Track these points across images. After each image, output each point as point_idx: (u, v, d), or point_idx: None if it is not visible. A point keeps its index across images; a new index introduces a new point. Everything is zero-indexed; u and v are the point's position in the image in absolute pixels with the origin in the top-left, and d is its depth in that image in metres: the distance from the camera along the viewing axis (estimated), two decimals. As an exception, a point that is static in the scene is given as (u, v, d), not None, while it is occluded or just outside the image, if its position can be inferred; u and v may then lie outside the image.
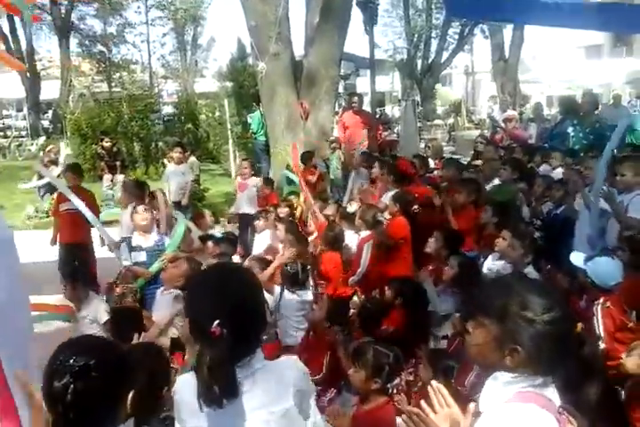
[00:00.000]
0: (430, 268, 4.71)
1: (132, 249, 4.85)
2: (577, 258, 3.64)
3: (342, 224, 5.66)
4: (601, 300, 3.42)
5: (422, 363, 3.36)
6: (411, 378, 2.97)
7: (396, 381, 2.87)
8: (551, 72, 20.57)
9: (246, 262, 4.62)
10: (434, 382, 1.61)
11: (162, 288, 4.35)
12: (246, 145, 13.99)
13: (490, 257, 4.58)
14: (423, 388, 3.17)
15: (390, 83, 29.81)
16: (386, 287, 4.22)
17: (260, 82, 10.02)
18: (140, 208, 4.85)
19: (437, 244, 4.57)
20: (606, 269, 3.50)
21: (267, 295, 4.33)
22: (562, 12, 7.67)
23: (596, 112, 8.79)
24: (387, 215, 5.50)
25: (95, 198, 6.75)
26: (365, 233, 5.29)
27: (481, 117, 24.82)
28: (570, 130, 8.74)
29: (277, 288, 4.31)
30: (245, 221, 7.47)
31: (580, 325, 1.61)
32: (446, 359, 3.33)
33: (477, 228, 5.23)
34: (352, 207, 6.39)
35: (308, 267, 4.62)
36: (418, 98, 25.27)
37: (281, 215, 6.40)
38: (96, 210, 6.30)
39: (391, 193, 5.83)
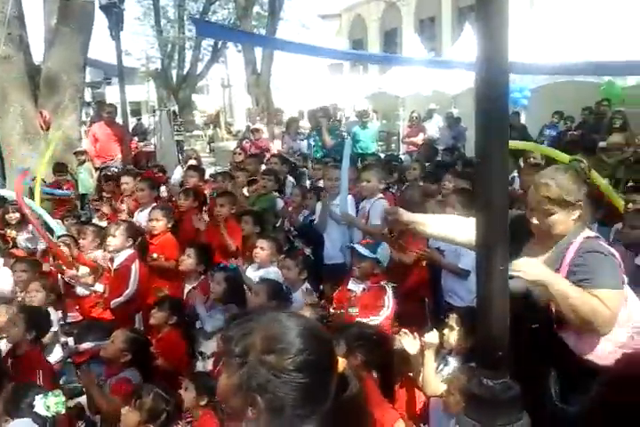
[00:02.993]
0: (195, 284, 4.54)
1: None
2: (363, 249, 3.90)
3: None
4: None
5: (185, 386, 3.20)
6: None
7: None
8: (300, 87, 21.91)
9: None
10: None
11: None
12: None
13: (249, 268, 4.59)
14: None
15: (146, 92, 28.86)
16: (154, 309, 3.95)
17: (-13, 87, 8.85)
18: None
19: (193, 260, 4.44)
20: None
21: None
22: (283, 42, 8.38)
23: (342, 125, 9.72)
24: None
25: None
26: (127, 252, 4.85)
27: (239, 129, 25.30)
28: (311, 141, 9.62)
29: None
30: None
31: (342, 363, 1.31)
32: (211, 381, 3.20)
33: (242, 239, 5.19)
34: None
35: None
36: (175, 108, 24.85)
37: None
38: None
39: (147, 210, 5.46)
